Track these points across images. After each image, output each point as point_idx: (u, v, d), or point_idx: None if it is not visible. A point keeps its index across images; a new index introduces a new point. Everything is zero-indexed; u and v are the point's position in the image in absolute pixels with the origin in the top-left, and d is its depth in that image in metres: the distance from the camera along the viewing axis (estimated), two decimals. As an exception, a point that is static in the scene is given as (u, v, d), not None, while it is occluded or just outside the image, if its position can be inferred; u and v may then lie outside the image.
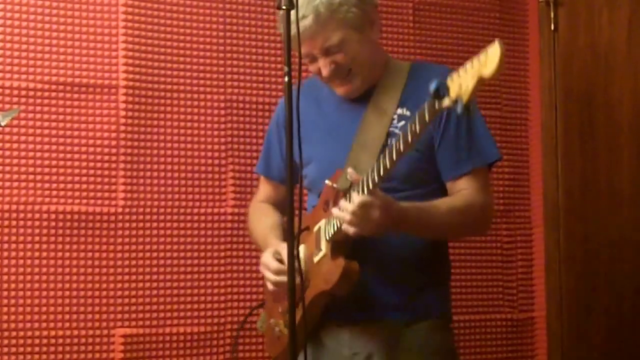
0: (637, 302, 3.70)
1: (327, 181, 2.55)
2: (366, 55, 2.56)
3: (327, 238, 2.49)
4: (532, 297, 3.92)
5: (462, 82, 2.00)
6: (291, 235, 2.24)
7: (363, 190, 2.33)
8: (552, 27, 3.87)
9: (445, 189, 2.57)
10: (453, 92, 2.02)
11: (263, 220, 2.82)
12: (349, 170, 2.42)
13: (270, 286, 2.60)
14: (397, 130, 2.52)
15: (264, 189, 2.91)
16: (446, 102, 2.04)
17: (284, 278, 2.50)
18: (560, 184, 3.84)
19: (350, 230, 2.36)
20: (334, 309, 2.53)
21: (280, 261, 2.54)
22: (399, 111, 2.56)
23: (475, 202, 2.53)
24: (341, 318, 2.56)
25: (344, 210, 2.35)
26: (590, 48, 3.83)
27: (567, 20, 3.86)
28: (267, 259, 2.59)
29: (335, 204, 2.45)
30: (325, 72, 2.56)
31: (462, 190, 2.54)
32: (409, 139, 2.20)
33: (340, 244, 2.47)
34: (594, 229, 3.80)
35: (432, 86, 2.04)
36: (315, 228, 2.56)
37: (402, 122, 2.53)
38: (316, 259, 2.52)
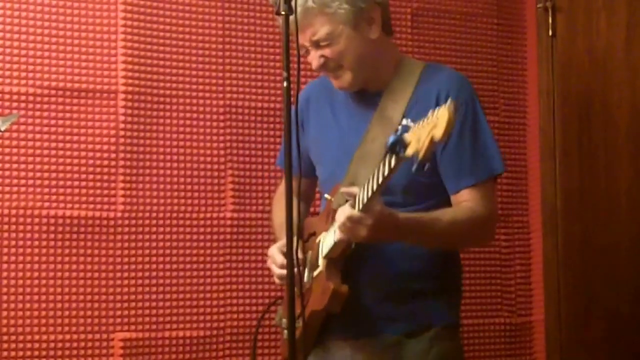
0: (636, 306, 3.70)
1: (326, 195, 2.58)
2: (358, 52, 2.54)
3: (324, 255, 2.51)
4: (531, 301, 3.93)
5: (420, 136, 2.03)
6: (290, 238, 2.25)
7: (357, 206, 2.32)
8: (550, 32, 3.88)
9: (449, 202, 2.54)
10: (410, 149, 2.05)
11: (282, 213, 2.83)
12: (343, 189, 2.42)
13: (276, 280, 2.61)
14: None
15: None
16: (404, 155, 2.08)
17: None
18: (558, 188, 3.85)
19: (337, 234, 2.37)
20: (335, 324, 2.53)
21: (285, 255, 2.55)
22: (404, 122, 2.50)
23: (478, 215, 2.49)
24: (342, 333, 2.56)
25: (337, 219, 2.35)
26: (588, 53, 3.84)
27: (565, 26, 3.87)
28: (274, 252, 2.61)
29: (333, 219, 2.47)
30: (314, 64, 2.57)
31: (466, 202, 2.50)
32: (380, 181, 2.21)
33: (335, 262, 2.49)
34: (592, 233, 3.80)
35: (389, 141, 2.08)
36: (317, 239, 2.57)
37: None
38: (315, 273, 2.54)
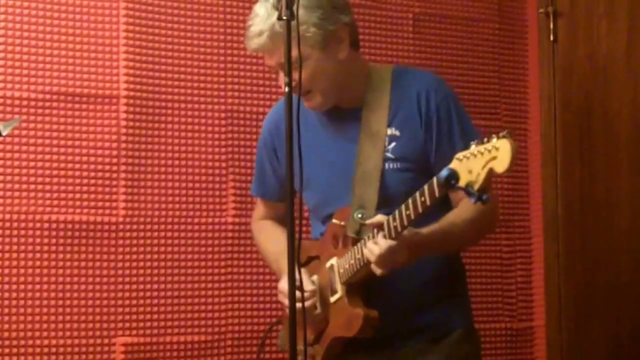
0: (636, 311, 3.70)
1: (334, 220, 2.58)
2: (327, 74, 2.55)
3: (343, 281, 2.51)
4: (532, 306, 3.93)
5: (472, 168, 2.06)
6: (292, 251, 2.25)
7: (390, 235, 2.33)
8: (552, 38, 3.89)
9: (444, 204, 2.55)
10: (463, 180, 2.08)
11: (271, 241, 2.84)
12: (369, 221, 2.43)
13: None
14: (389, 154, 2.56)
15: (263, 208, 2.96)
16: (457, 187, 2.12)
17: (306, 303, 2.54)
18: (559, 194, 3.85)
19: (378, 271, 2.37)
20: (356, 341, 2.53)
21: (299, 288, 2.54)
22: (389, 131, 2.58)
23: (483, 208, 2.49)
24: (364, 348, 2.57)
25: (371, 252, 2.36)
26: (589, 59, 3.85)
27: (566, 31, 3.88)
28: (285, 287, 2.56)
29: (345, 243, 2.50)
30: (283, 87, 2.58)
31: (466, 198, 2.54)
32: (419, 210, 2.25)
33: (356, 286, 2.50)
34: (593, 238, 3.80)
35: (443, 174, 2.11)
36: (328, 264, 2.58)
37: (393, 144, 2.57)
38: (332, 299, 2.55)
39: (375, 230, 2.38)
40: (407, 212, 2.28)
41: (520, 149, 3.95)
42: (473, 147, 2.08)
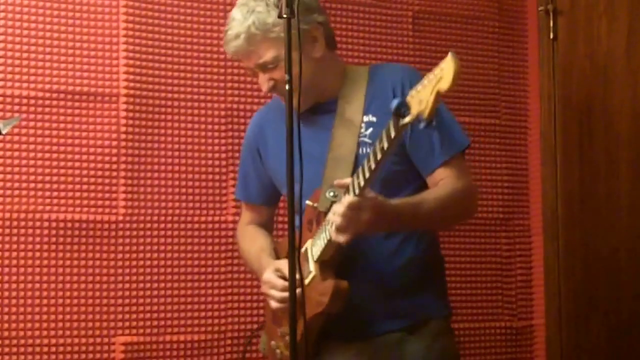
0: (636, 310, 3.70)
1: (307, 202, 2.57)
2: (306, 72, 2.51)
3: (315, 259, 2.51)
4: (532, 305, 3.94)
5: (421, 98, 2.07)
6: (292, 248, 2.24)
7: (353, 192, 2.33)
8: (552, 36, 3.88)
9: (426, 187, 2.59)
10: (414, 109, 2.08)
11: (253, 243, 2.85)
12: (336, 182, 2.44)
13: (275, 304, 2.59)
14: (366, 139, 2.58)
15: (248, 214, 2.97)
16: (408, 119, 2.11)
17: (284, 294, 2.53)
18: (559, 192, 3.85)
19: (341, 238, 2.36)
20: (337, 328, 2.54)
21: (284, 278, 2.55)
22: (365, 118, 2.60)
23: (457, 189, 2.55)
24: (345, 336, 2.57)
25: (335, 214, 2.35)
26: (589, 57, 3.84)
27: (567, 29, 3.87)
28: (271, 277, 2.60)
29: (319, 223, 2.50)
30: (264, 88, 2.64)
31: (443, 180, 2.56)
32: (378, 157, 2.25)
33: (328, 264, 2.50)
34: (593, 237, 3.80)
35: (393, 104, 2.12)
36: (302, 249, 2.57)
37: (370, 129, 2.59)
38: (307, 281, 2.53)
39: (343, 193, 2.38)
40: (369, 164, 2.27)
41: (520, 148, 3.97)
42: (423, 80, 2.08)
